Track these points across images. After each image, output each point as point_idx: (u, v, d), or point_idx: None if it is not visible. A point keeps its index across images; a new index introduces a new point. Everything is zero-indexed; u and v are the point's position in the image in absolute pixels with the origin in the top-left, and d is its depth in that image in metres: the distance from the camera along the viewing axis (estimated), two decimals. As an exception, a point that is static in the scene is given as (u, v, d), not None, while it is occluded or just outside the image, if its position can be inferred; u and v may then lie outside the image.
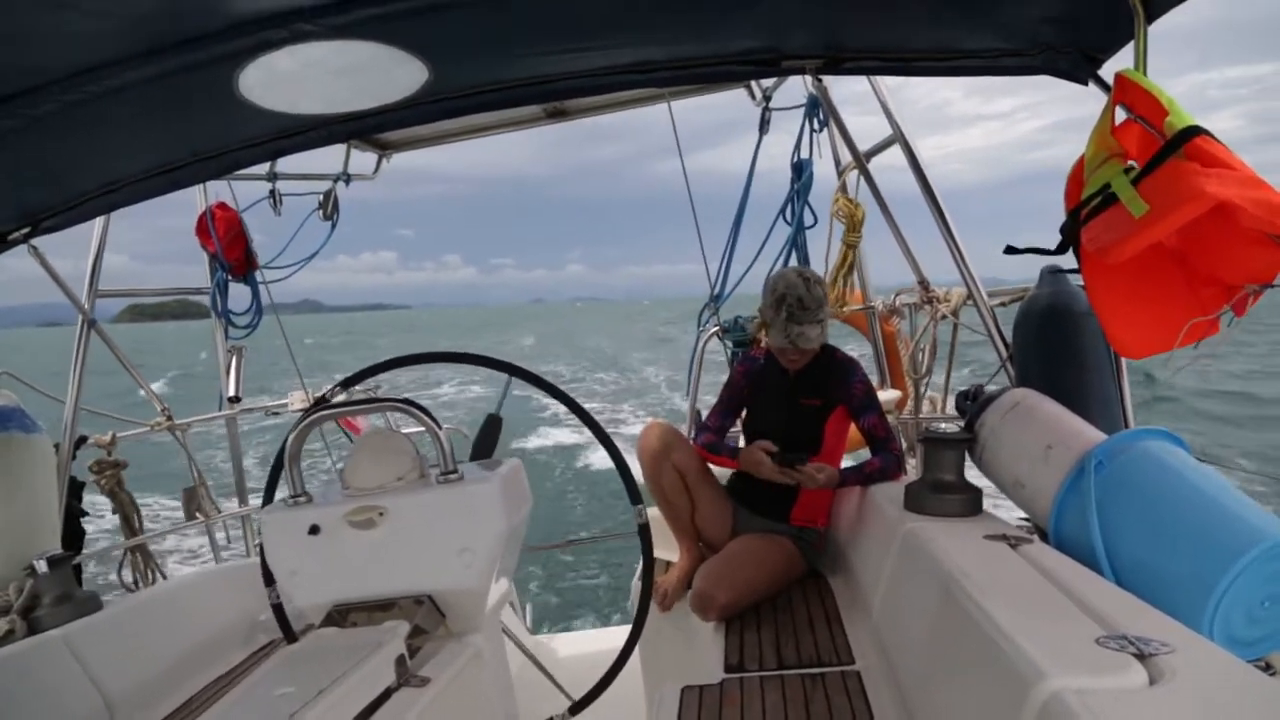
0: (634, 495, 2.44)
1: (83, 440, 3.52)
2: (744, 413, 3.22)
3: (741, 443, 3.17)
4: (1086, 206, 2.06)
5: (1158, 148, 1.86)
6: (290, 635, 2.50)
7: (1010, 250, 2.35)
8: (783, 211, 3.75)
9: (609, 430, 2.45)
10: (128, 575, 3.64)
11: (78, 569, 2.93)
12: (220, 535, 4.32)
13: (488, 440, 2.58)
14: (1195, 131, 1.80)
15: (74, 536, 3.21)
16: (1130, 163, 2.01)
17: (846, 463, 3.12)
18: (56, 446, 3.18)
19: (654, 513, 2.97)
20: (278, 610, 2.49)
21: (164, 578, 3.64)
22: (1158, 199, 1.83)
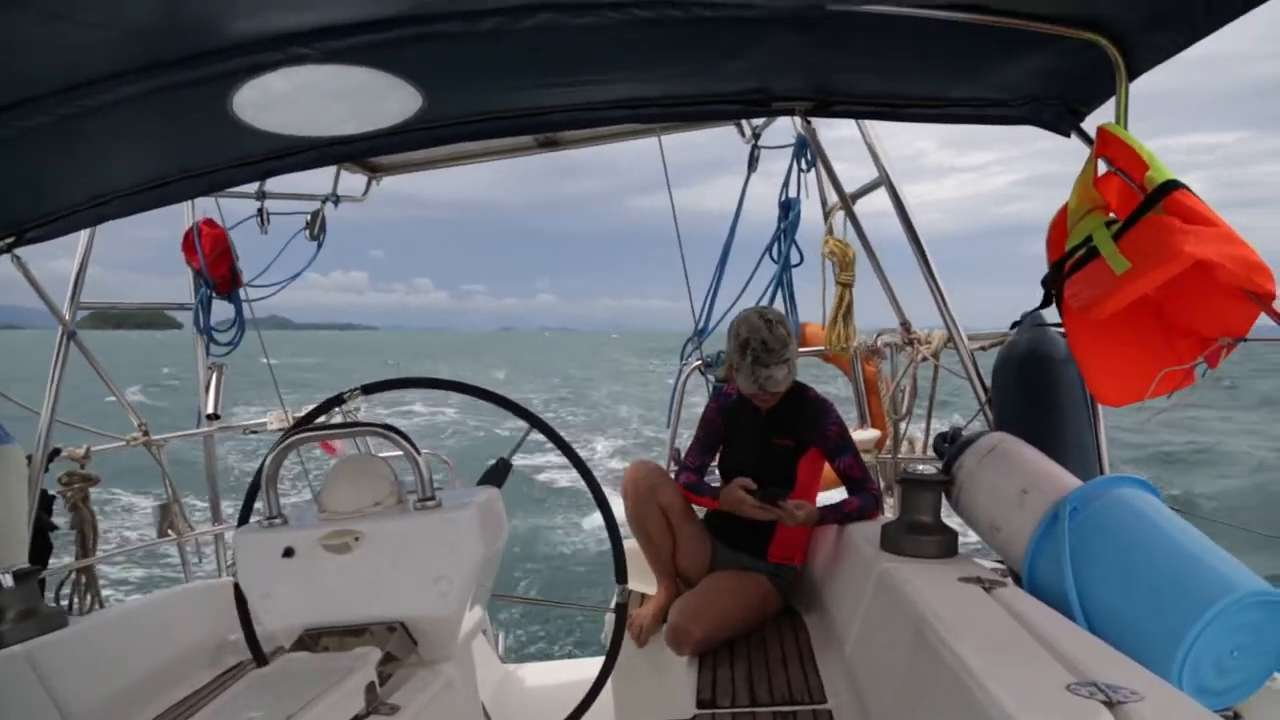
0: (621, 574, 2.43)
1: (56, 453, 3.47)
2: (721, 452, 3.23)
3: (718, 479, 3.17)
4: (1069, 259, 2.10)
5: (1138, 201, 1.90)
6: (260, 658, 2.47)
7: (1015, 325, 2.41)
8: (769, 249, 3.79)
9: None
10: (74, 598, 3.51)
11: (44, 584, 2.88)
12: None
13: (492, 481, 2.56)
14: (1174, 186, 1.84)
15: (42, 550, 3.15)
16: (1112, 215, 2.06)
17: (822, 501, 3.13)
18: (29, 459, 3.14)
19: (632, 545, 2.96)
20: (248, 632, 2.46)
21: (100, 606, 3.52)
22: (1138, 256, 1.87)
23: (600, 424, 28.37)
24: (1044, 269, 2.29)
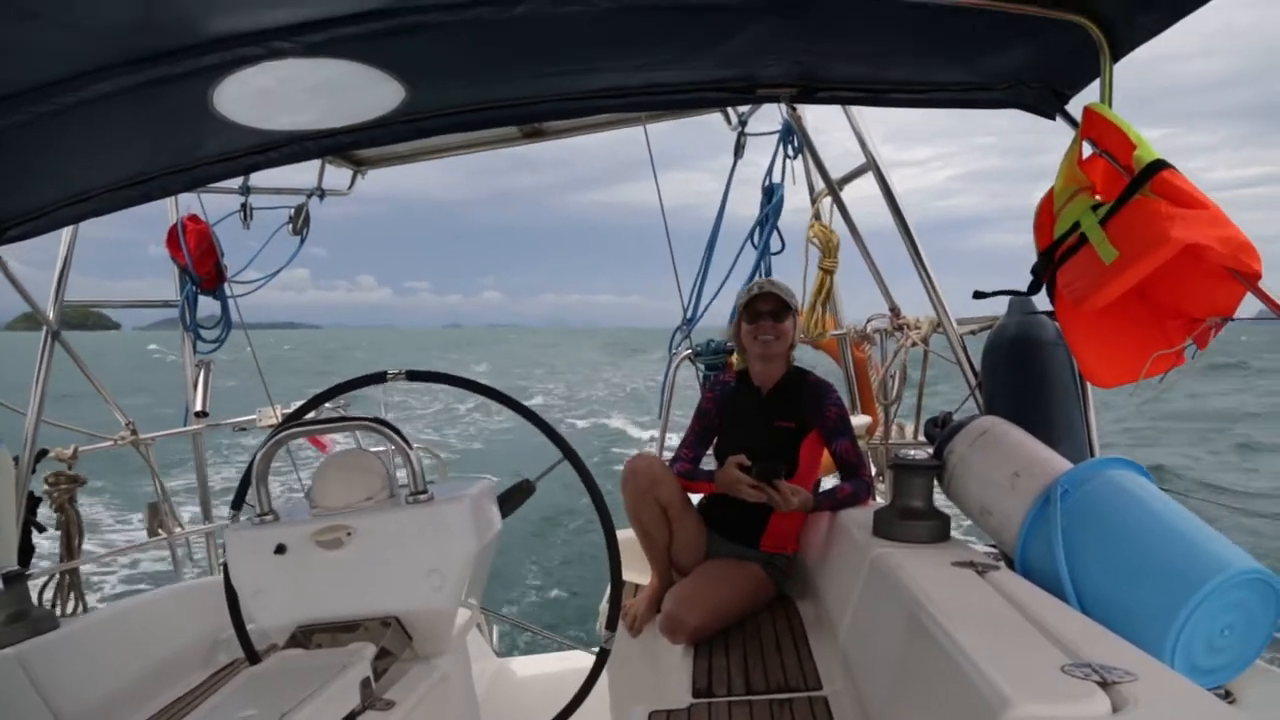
0: (613, 620, 2.44)
1: (43, 454, 3.44)
2: (716, 440, 3.23)
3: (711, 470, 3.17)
4: (1059, 248, 2.10)
5: (1125, 182, 1.90)
6: (253, 656, 2.46)
7: (979, 295, 2.40)
8: (751, 236, 3.78)
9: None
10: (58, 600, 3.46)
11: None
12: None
13: (510, 501, 2.52)
14: (1161, 166, 1.84)
15: (26, 552, 3.13)
16: (1098, 197, 2.06)
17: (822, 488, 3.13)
18: (16, 460, 3.11)
19: (627, 534, 2.96)
20: (240, 630, 2.45)
21: (84, 609, 3.49)
22: (1127, 243, 1.87)
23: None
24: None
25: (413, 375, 2.48)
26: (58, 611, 3.35)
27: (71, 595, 3.46)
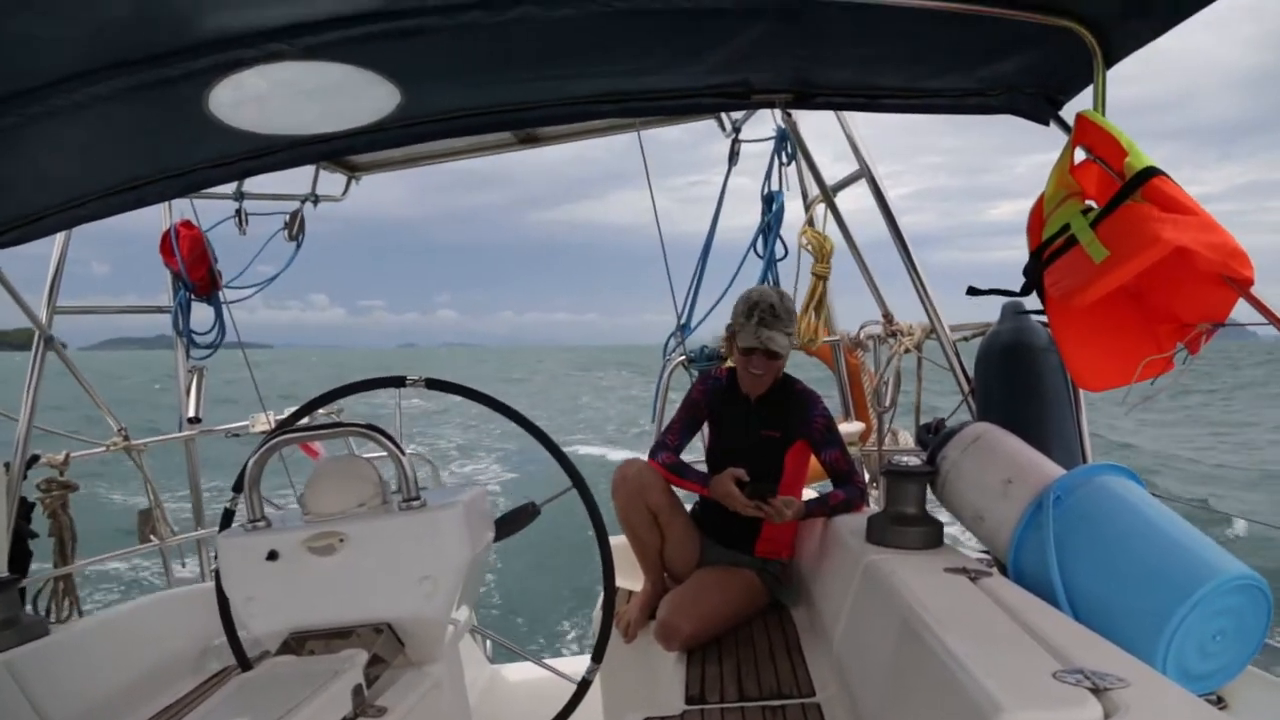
0: (599, 654, 2.45)
1: (34, 460, 3.42)
2: (708, 438, 3.22)
3: (705, 468, 3.16)
4: (1048, 248, 2.11)
5: (1116, 188, 1.91)
6: (245, 663, 2.45)
7: (973, 291, 2.40)
8: (754, 244, 3.78)
9: None
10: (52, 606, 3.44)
11: (24, 593, 2.84)
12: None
13: (514, 522, 2.52)
14: (1153, 172, 1.85)
15: (22, 559, 3.11)
16: (1089, 202, 2.07)
17: (808, 494, 3.13)
18: (6, 466, 3.10)
19: (620, 541, 2.95)
20: (232, 637, 2.44)
21: (79, 614, 3.47)
22: (1117, 244, 1.87)
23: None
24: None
25: (432, 384, 2.49)
26: (52, 618, 3.33)
27: (67, 601, 3.44)
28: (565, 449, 2.48)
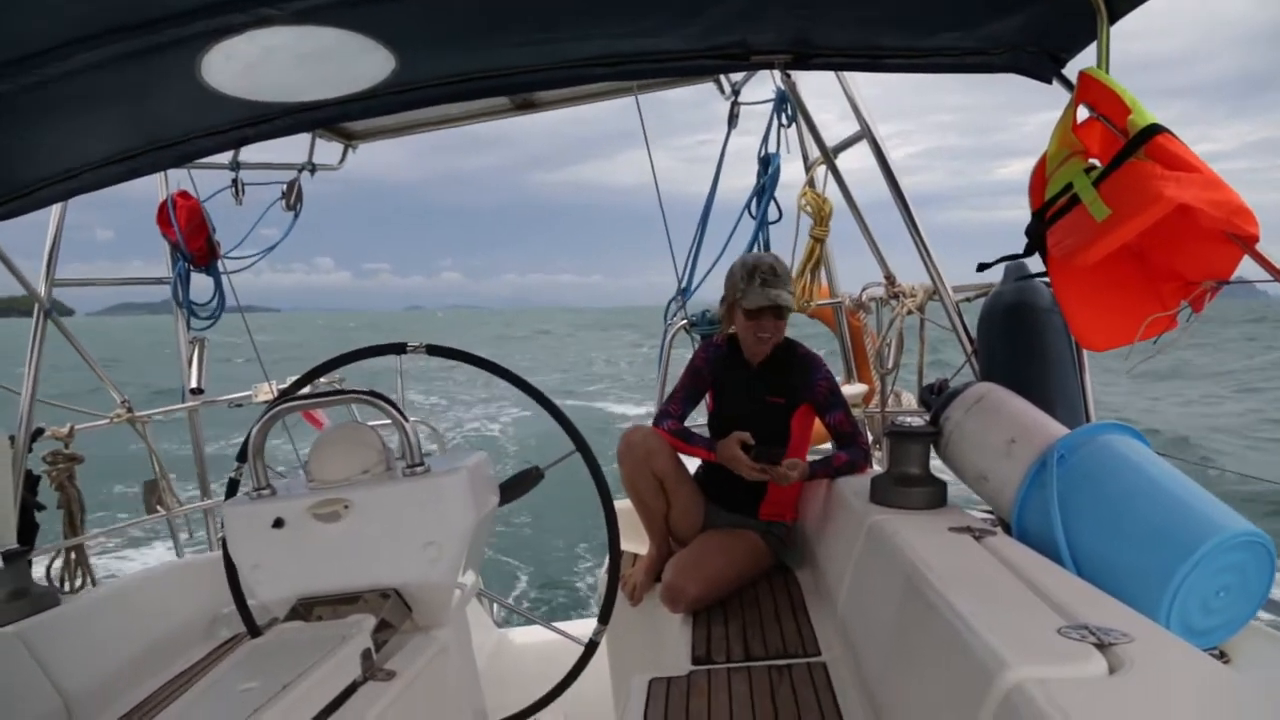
0: (605, 614, 2.46)
1: (39, 432, 3.44)
2: (710, 404, 3.22)
3: (708, 434, 3.17)
4: (1051, 208, 2.09)
5: (1119, 146, 1.89)
6: (254, 630, 2.47)
7: (983, 267, 2.41)
8: (748, 206, 3.76)
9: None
10: (65, 577, 3.47)
11: (31, 564, 2.86)
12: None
13: (518, 486, 2.51)
14: (1156, 130, 1.83)
15: (29, 531, 3.14)
16: (1092, 160, 2.05)
17: (811, 457, 3.13)
18: (12, 439, 3.11)
19: (625, 505, 2.97)
20: (241, 604, 2.46)
21: (94, 583, 3.50)
22: (1119, 202, 1.86)
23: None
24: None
25: (433, 350, 2.47)
26: (65, 588, 3.37)
27: (79, 571, 3.48)
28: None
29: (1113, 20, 2.10)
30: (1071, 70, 2.33)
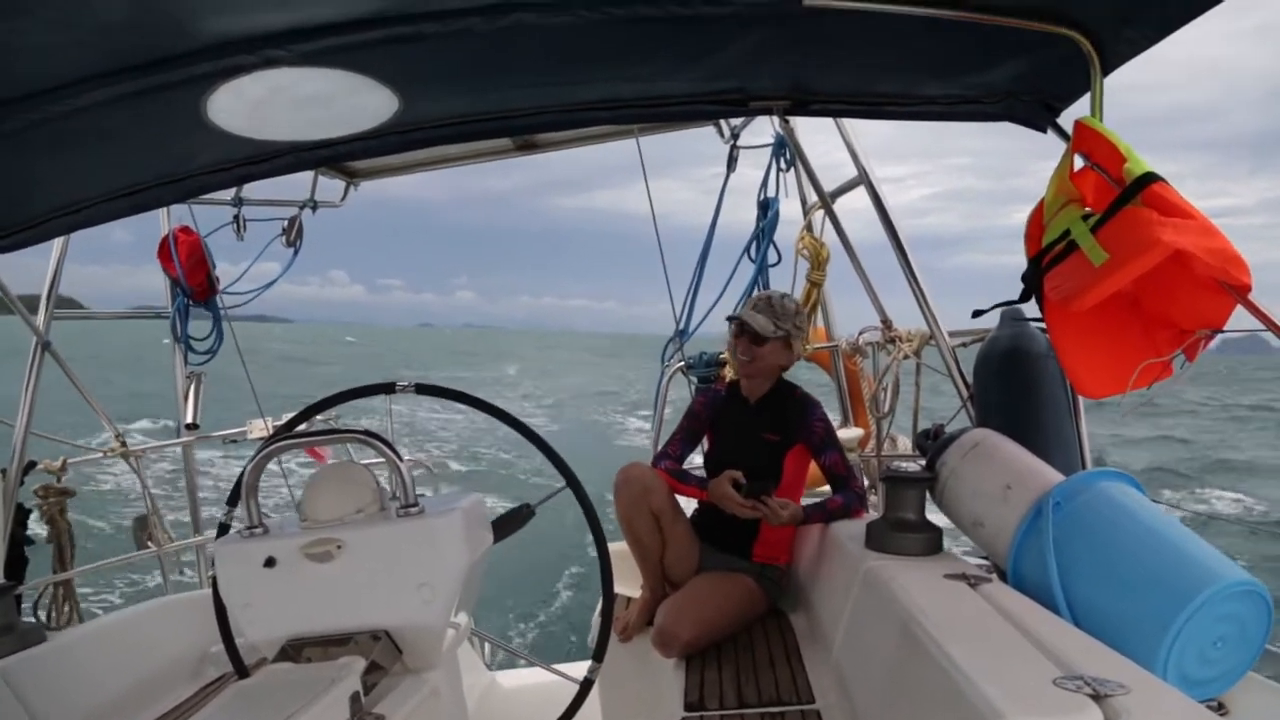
0: (600, 652, 2.44)
1: (31, 465, 3.41)
2: (707, 445, 3.22)
3: (702, 473, 3.16)
4: (1048, 254, 2.11)
5: (1115, 195, 1.91)
6: (242, 670, 2.44)
7: (978, 313, 2.43)
8: (748, 249, 3.78)
9: None
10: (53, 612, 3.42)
11: (20, 599, 2.83)
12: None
13: (509, 524, 2.51)
14: (1152, 178, 1.85)
15: (18, 565, 3.10)
16: (1088, 209, 2.07)
17: (806, 501, 3.12)
18: (3, 472, 3.09)
19: (619, 547, 2.95)
20: (229, 644, 2.43)
21: (79, 620, 3.45)
22: (1117, 247, 1.88)
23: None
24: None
25: (422, 389, 2.47)
26: (52, 623, 3.32)
27: (66, 606, 3.43)
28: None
29: (1106, 71, 2.13)
30: (1068, 119, 2.36)
